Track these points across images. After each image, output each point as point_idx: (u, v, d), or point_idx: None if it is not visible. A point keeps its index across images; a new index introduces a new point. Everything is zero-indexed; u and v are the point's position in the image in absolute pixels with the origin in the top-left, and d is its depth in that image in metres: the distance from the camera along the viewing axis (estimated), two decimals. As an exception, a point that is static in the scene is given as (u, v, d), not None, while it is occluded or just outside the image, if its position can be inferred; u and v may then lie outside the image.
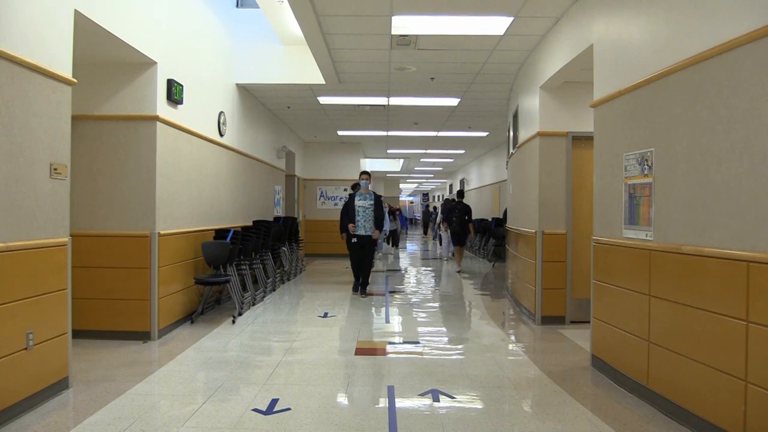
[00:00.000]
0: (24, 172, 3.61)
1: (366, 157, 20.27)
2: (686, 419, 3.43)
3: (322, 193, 15.94)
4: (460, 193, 13.57)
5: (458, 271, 12.50)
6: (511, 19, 5.92)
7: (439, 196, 33.07)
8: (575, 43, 5.41)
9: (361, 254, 8.75)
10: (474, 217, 17.04)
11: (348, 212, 8.70)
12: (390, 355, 5.21)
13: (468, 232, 12.79)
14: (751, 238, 2.92)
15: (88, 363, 4.71)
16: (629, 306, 4.14)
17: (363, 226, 8.60)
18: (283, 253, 10.10)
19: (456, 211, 12.64)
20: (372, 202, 8.69)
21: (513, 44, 6.77)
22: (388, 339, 5.86)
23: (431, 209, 30.74)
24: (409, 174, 29.55)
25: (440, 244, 17.37)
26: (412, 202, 51.44)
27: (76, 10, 4.16)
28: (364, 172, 8.89)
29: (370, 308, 7.68)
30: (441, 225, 15.52)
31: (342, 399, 4.02)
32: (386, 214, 12.69)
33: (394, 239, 19.38)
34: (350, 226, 8.62)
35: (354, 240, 8.61)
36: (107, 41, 4.88)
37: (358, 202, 8.64)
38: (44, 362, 3.82)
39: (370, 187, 8.84)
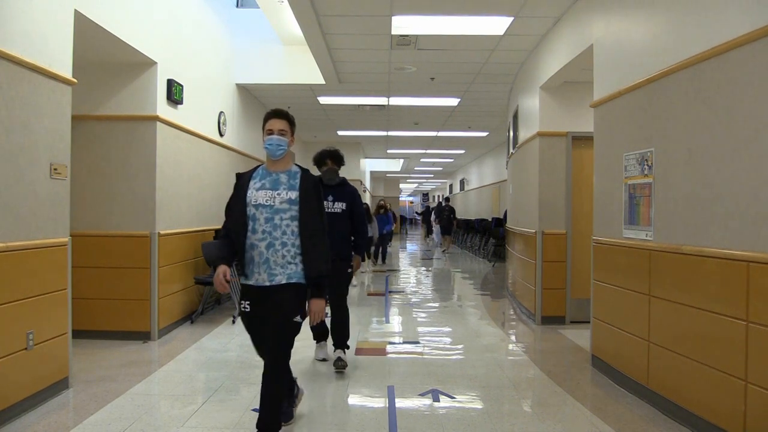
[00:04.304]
0: (24, 172, 3.60)
1: (366, 157, 20.27)
2: (686, 419, 3.43)
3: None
4: (447, 199, 21.31)
5: (444, 251, 17.99)
6: (511, 19, 5.92)
7: (439, 196, 33.37)
8: (575, 43, 5.41)
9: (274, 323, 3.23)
10: (474, 217, 19.67)
11: (233, 219, 3.15)
12: (390, 355, 5.21)
13: (453, 225, 19.03)
14: (751, 238, 2.92)
15: (88, 363, 4.71)
16: (629, 306, 4.14)
17: (266, 260, 3.06)
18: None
19: (445, 211, 18.58)
20: (296, 191, 3.13)
21: (513, 44, 6.77)
22: (388, 339, 5.86)
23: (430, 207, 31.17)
24: (409, 174, 29.57)
25: (429, 235, 23.62)
26: (411, 202, 51.40)
27: (76, 10, 4.16)
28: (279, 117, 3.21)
29: (370, 308, 7.67)
30: (433, 221, 21.35)
31: (342, 399, 4.02)
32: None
33: (382, 250, 14.01)
34: (221, 272, 3.03)
35: (245, 307, 3.12)
36: (107, 41, 4.88)
37: (260, 192, 3.12)
38: (44, 362, 3.82)
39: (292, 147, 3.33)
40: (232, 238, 3.12)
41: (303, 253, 3.06)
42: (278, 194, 3.09)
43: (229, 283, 3.07)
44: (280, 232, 3.05)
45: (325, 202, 4.43)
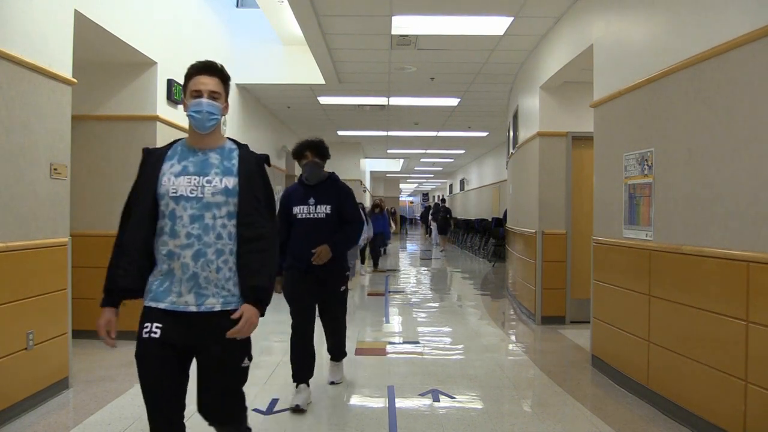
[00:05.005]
0: (24, 172, 3.60)
1: (366, 157, 20.27)
2: (686, 419, 3.43)
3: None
4: (443, 200, 24.75)
5: (442, 250, 18.62)
6: (511, 19, 5.92)
7: (438, 196, 33.56)
8: (575, 43, 5.41)
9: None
10: (474, 217, 19.92)
11: (137, 216, 2.22)
12: (390, 355, 5.21)
13: (450, 225, 20.00)
14: (751, 238, 2.92)
15: (88, 363, 4.71)
16: (629, 306, 4.14)
17: (193, 276, 2.11)
18: (283, 253, 10.04)
19: (441, 212, 19.59)
20: (233, 177, 2.18)
21: (513, 44, 6.77)
22: (388, 339, 5.86)
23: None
24: (409, 174, 29.57)
25: (430, 235, 24.21)
26: (412, 202, 51.39)
27: (76, 10, 4.15)
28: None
29: (369, 308, 7.67)
30: (430, 221, 23.01)
31: (342, 399, 4.02)
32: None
33: (374, 252, 12.71)
34: (104, 324, 2.45)
35: (152, 331, 2.25)
36: (107, 41, 4.88)
37: (180, 179, 2.19)
38: (44, 362, 3.82)
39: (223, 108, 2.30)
40: (130, 246, 2.18)
41: (240, 261, 2.12)
42: (208, 181, 2.14)
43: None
44: (214, 236, 2.10)
45: (304, 207, 3.82)
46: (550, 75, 6.18)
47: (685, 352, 3.45)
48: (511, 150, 8.90)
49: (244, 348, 2.19)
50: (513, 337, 6.26)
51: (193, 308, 2.10)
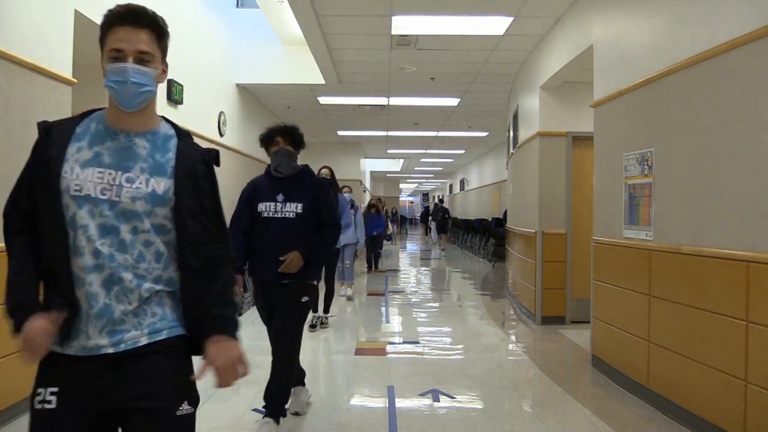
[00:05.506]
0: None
1: (366, 157, 20.28)
2: (686, 419, 3.43)
3: (322, 193, 15.90)
4: (441, 200, 25.92)
5: (442, 249, 18.95)
6: (511, 19, 5.92)
7: (438, 195, 33.64)
8: (575, 43, 5.41)
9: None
10: (474, 217, 20.36)
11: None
12: (390, 355, 5.21)
13: (448, 224, 20.37)
14: (751, 238, 2.92)
15: (88, 363, 4.70)
16: (629, 306, 4.14)
17: (105, 309, 1.43)
18: (283, 253, 10.02)
19: (439, 212, 20.32)
20: (166, 178, 1.52)
21: (513, 44, 6.77)
22: (388, 339, 5.86)
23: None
24: (409, 174, 29.58)
25: (428, 234, 24.82)
26: (412, 202, 51.39)
27: (76, 10, 4.16)
28: None
29: (369, 308, 7.68)
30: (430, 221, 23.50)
31: (342, 399, 4.02)
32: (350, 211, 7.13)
33: (375, 255, 12.20)
34: (37, 330, 1.38)
35: (45, 400, 1.41)
36: (107, 41, 4.88)
37: (88, 171, 1.46)
38: (44, 362, 3.81)
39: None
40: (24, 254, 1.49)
41: (191, 295, 1.55)
42: (128, 180, 1.49)
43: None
44: (134, 256, 1.48)
45: (271, 204, 3.25)
46: (550, 75, 6.18)
47: (685, 352, 3.45)
48: (511, 150, 8.90)
49: (174, 398, 1.49)
50: (513, 337, 6.26)
51: (110, 350, 1.44)
